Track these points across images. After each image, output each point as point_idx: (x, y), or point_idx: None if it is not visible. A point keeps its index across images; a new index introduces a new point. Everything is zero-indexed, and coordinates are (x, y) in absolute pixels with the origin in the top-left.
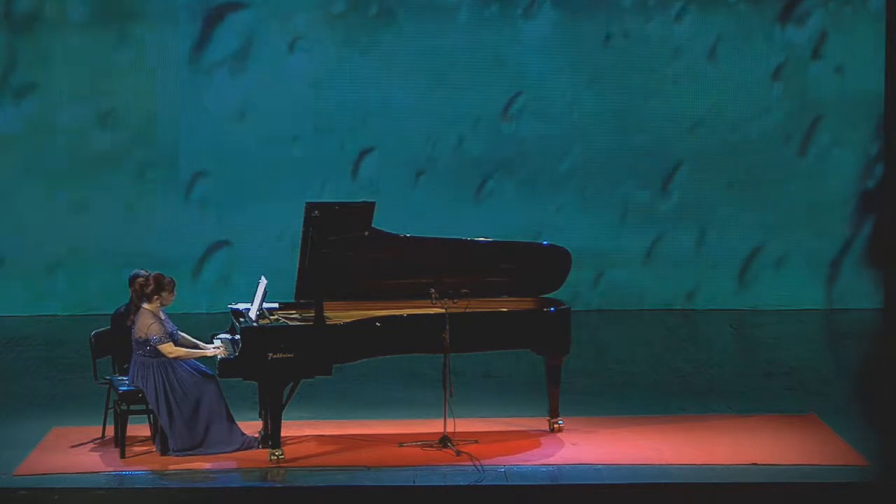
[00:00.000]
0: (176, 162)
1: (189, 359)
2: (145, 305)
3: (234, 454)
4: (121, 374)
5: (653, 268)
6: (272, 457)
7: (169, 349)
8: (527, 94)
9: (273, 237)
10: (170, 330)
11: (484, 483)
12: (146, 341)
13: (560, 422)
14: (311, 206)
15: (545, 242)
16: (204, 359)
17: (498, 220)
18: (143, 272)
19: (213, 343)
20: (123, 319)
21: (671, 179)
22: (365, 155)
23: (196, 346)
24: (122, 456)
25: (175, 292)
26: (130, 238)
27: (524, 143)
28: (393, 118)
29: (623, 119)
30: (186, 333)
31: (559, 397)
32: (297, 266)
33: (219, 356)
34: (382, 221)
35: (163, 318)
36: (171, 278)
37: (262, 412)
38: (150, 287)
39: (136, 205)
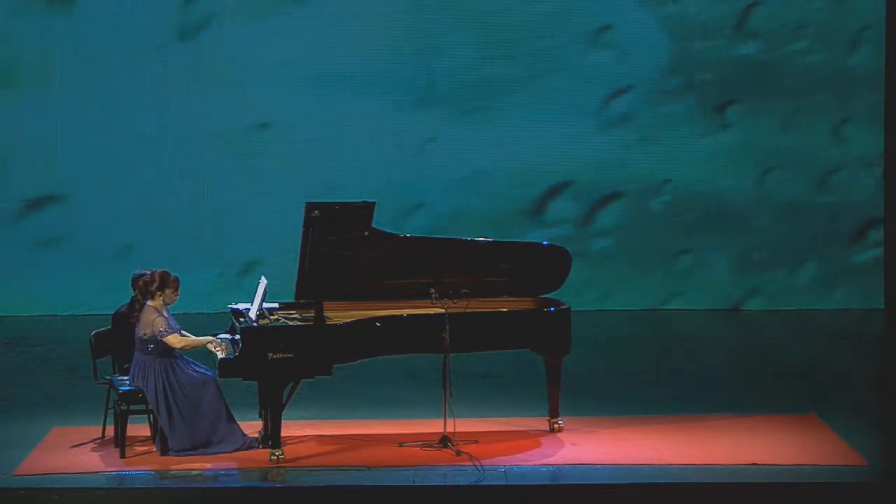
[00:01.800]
0: None
1: (195, 346)
2: (149, 303)
3: (234, 454)
4: (121, 374)
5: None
6: (272, 457)
7: (175, 340)
8: None
9: None
10: (174, 326)
11: (484, 483)
12: (151, 338)
13: (560, 422)
14: (310, 207)
15: (545, 242)
16: (204, 359)
17: None
18: (146, 272)
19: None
20: (124, 319)
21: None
22: None
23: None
24: (122, 456)
25: (179, 291)
26: None
27: None
28: None
29: None
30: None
31: (559, 397)
32: (297, 266)
33: (219, 356)
34: None
35: (166, 315)
36: (176, 276)
37: (262, 412)
38: (155, 284)
39: None
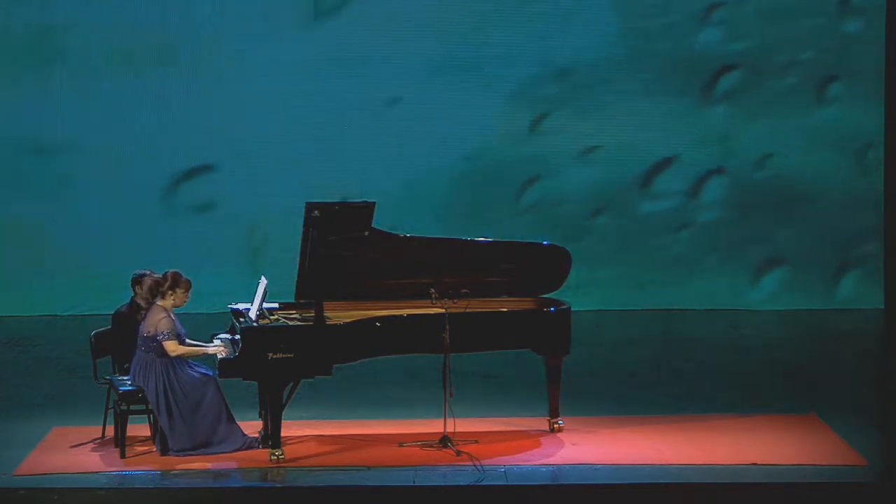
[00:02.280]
0: None
1: (190, 356)
2: (159, 302)
3: (234, 454)
4: (121, 374)
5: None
6: (272, 457)
7: (172, 347)
8: None
9: None
10: (178, 331)
11: (484, 483)
12: (153, 337)
13: (560, 422)
14: (311, 207)
15: (545, 242)
16: (204, 359)
17: None
18: (147, 272)
19: (213, 343)
20: (124, 319)
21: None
22: None
23: (197, 346)
24: (122, 456)
25: (189, 294)
26: None
27: None
28: None
29: None
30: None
31: (559, 397)
32: (298, 266)
33: (219, 356)
34: None
35: (173, 317)
36: (188, 279)
37: (262, 412)
38: (167, 284)
39: None
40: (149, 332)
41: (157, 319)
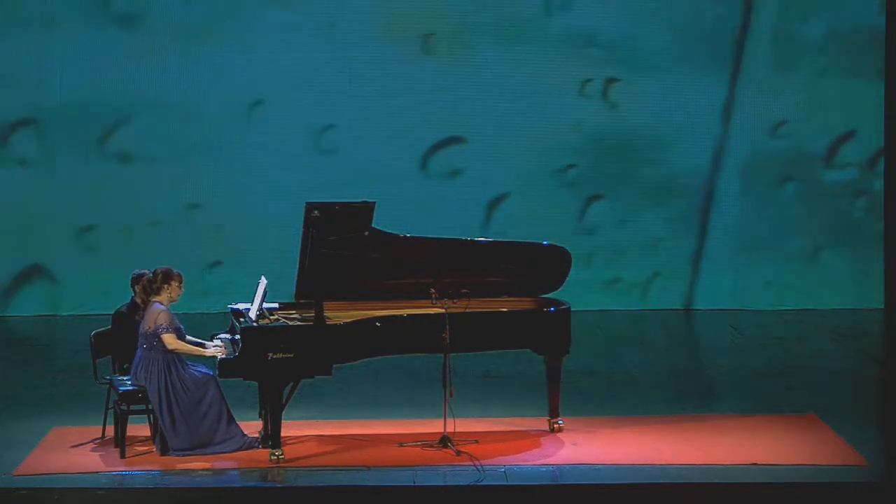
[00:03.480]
0: None
1: (187, 354)
2: (154, 298)
3: (234, 454)
4: (121, 374)
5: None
6: (272, 457)
7: (170, 340)
8: None
9: None
10: (177, 325)
11: (484, 483)
12: (154, 333)
13: (560, 422)
14: (310, 207)
15: (545, 242)
16: (204, 359)
17: None
18: (145, 271)
19: (213, 343)
20: (124, 319)
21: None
22: None
23: (198, 346)
24: (122, 456)
25: (182, 287)
26: None
27: None
28: None
29: None
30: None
31: (559, 397)
32: (297, 266)
33: (219, 356)
34: None
35: (171, 313)
36: (179, 272)
37: (262, 412)
38: (158, 279)
39: None
40: (149, 327)
41: (157, 313)
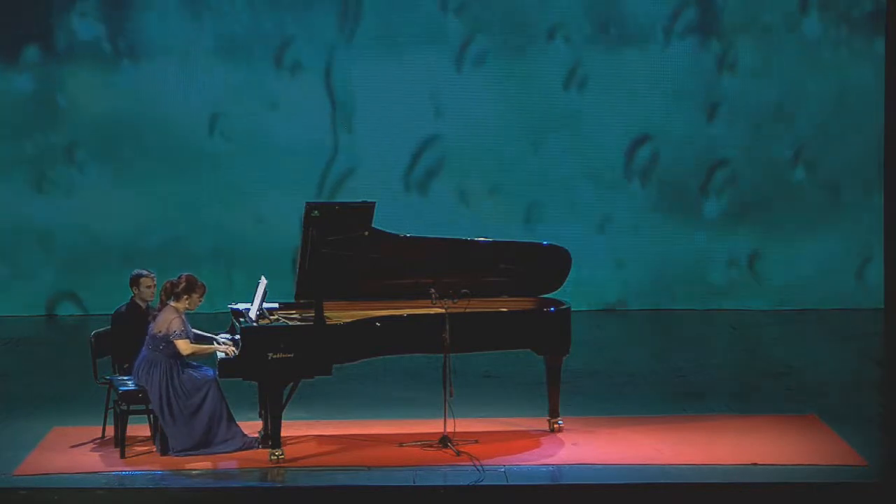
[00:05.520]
0: None
1: (201, 354)
2: (172, 303)
3: (234, 454)
4: (121, 374)
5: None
6: (272, 457)
7: (184, 346)
8: None
9: None
10: (189, 332)
11: (484, 483)
12: (164, 337)
13: (560, 422)
14: (310, 207)
15: (545, 242)
16: (205, 359)
17: None
18: (144, 272)
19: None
20: (123, 319)
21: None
22: None
23: (207, 340)
24: (122, 456)
25: (203, 299)
26: None
27: None
28: None
29: None
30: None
31: (559, 397)
32: (297, 266)
33: (219, 356)
34: None
35: (184, 319)
36: (203, 283)
37: (262, 412)
38: (182, 286)
39: None
40: (159, 330)
41: (169, 319)
